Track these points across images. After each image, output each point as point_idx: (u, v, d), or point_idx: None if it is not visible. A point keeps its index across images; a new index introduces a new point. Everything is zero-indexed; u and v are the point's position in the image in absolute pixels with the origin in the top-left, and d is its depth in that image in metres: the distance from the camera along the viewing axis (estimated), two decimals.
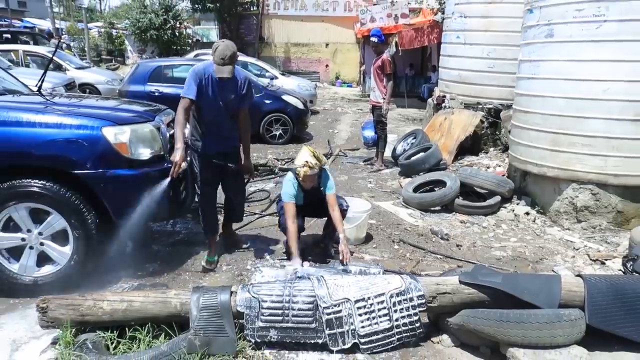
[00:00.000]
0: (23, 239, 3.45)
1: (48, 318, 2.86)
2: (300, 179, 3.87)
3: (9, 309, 3.37)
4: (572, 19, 4.88)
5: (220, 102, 3.89)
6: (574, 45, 4.93)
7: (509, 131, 6.36)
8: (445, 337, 3.09)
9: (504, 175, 6.13)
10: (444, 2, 11.85)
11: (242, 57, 14.76)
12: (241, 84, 3.96)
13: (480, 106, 8.03)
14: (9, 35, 17.82)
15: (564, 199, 5.20)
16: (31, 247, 3.47)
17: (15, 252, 3.48)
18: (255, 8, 23.53)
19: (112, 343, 2.84)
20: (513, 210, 5.58)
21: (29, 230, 3.44)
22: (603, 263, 4.35)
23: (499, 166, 6.91)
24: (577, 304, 2.88)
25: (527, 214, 5.47)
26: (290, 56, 23.26)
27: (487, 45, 7.81)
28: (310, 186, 3.96)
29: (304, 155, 3.87)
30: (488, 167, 6.96)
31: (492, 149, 7.84)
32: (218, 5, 21.95)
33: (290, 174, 4.04)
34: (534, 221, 5.35)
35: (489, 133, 7.96)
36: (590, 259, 4.43)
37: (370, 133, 8.37)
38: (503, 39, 7.54)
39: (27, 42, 17.85)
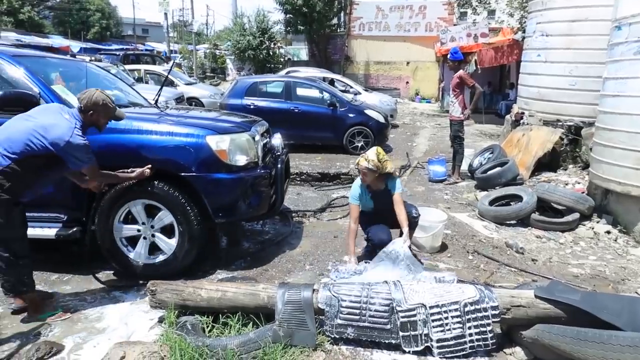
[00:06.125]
0: (138, 230, 3.72)
1: (156, 300, 3.06)
2: (358, 167, 3.87)
3: (126, 289, 3.66)
4: None
5: None
6: None
7: (590, 148, 5.89)
8: (518, 349, 2.91)
9: (583, 193, 5.68)
10: (525, 22, 11.29)
11: (328, 74, 15.05)
12: None
13: (560, 123, 7.51)
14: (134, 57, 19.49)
15: None
16: (144, 238, 3.73)
17: (132, 242, 3.77)
18: (342, 29, 23.88)
19: (207, 326, 2.98)
20: (592, 228, 5.14)
21: (143, 223, 3.70)
22: None
23: (579, 183, 6.41)
24: None
25: (608, 232, 5.02)
26: (372, 73, 23.29)
27: (569, 63, 7.30)
28: (370, 182, 3.90)
29: (369, 151, 3.89)
30: (566, 184, 6.49)
31: (571, 166, 7.30)
32: (308, 27, 22.53)
33: (358, 178, 4.05)
34: (615, 240, 4.89)
35: (569, 150, 7.41)
36: None
37: (439, 169, 7.46)
38: (586, 57, 7.02)
39: (147, 62, 19.37)
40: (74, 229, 3.62)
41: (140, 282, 3.64)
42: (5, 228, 2.97)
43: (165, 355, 2.59)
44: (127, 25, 47.37)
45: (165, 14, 32.10)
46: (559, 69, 7.45)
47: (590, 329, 2.57)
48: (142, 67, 15.98)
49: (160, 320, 3.09)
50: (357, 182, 4.03)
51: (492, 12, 22.50)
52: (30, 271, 3.19)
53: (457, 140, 7.23)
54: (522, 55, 8.83)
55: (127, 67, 15.16)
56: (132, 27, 47.02)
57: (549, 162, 7.39)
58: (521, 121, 8.29)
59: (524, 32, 11.03)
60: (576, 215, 5.19)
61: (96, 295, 3.55)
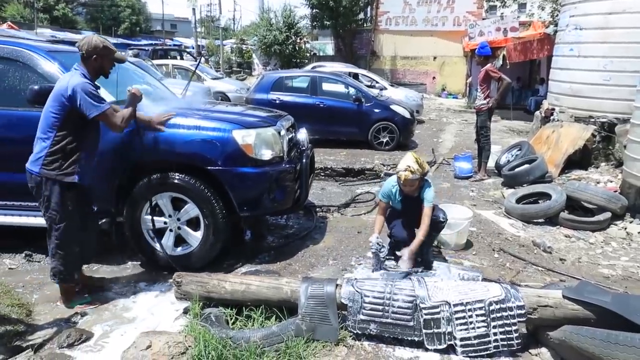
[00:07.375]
0: (165, 223, 3.79)
1: (181, 291, 3.12)
2: (401, 182, 3.75)
3: (153, 280, 3.73)
4: None
5: None
6: None
7: (625, 146, 5.69)
8: (544, 350, 2.85)
9: (616, 192, 5.50)
10: (557, 15, 10.97)
11: (354, 69, 14.96)
12: None
13: (592, 120, 7.27)
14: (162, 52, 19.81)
15: None
16: (171, 230, 3.80)
17: (158, 234, 3.81)
18: (368, 24, 23.71)
19: (231, 318, 3.02)
20: (625, 229, 4.97)
21: (170, 216, 3.77)
22: None
23: (611, 182, 6.21)
24: None
25: None
26: (399, 68, 23.04)
27: (604, 58, 7.04)
28: (410, 191, 3.79)
29: (407, 160, 3.72)
30: (598, 182, 6.29)
31: (603, 164, 7.07)
32: (334, 22, 22.46)
33: (394, 177, 3.94)
34: None
35: (601, 147, 7.16)
36: None
37: (465, 165, 7.36)
38: (622, 51, 6.77)
39: (175, 58, 19.65)
40: (103, 220, 3.72)
41: (167, 273, 3.70)
42: (70, 212, 3.08)
43: (189, 346, 2.63)
44: (156, 20, 48.25)
45: (194, 9, 32.45)
46: (592, 64, 7.22)
47: (623, 332, 2.49)
48: (170, 62, 16.19)
49: (185, 311, 3.15)
50: (391, 182, 3.91)
51: (522, 6, 21.97)
52: (78, 262, 3.31)
53: (483, 132, 7.06)
54: (554, 50, 8.59)
55: (156, 62, 15.40)
56: (160, 22, 47.84)
57: (579, 160, 7.18)
58: (551, 117, 8.06)
59: (556, 25, 10.73)
60: (608, 215, 5.03)
61: (124, 286, 3.64)
